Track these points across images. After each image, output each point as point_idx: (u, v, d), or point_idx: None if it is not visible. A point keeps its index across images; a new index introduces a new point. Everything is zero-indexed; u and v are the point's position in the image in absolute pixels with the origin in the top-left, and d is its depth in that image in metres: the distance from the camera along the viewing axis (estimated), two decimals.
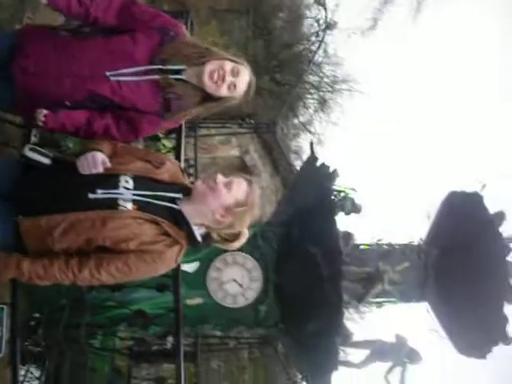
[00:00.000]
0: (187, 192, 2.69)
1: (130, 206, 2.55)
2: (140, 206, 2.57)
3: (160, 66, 2.86)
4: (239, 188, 2.65)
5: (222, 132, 11.65)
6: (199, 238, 2.67)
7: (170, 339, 6.57)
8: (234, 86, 2.89)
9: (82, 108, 2.88)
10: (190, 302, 5.12)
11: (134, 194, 2.57)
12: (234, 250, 5.28)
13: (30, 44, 2.91)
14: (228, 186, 2.63)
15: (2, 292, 3.66)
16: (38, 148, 2.70)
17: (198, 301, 5.24)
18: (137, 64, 2.85)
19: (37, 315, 4.11)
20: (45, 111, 2.80)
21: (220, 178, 2.63)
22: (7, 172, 2.75)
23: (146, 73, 2.86)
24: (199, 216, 2.66)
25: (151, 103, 2.89)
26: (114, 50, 2.85)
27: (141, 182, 2.63)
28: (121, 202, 2.55)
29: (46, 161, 2.67)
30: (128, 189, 2.58)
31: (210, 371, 12.68)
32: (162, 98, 2.89)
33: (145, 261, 2.57)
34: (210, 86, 2.88)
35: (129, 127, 2.91)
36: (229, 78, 2.87)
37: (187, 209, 2.64)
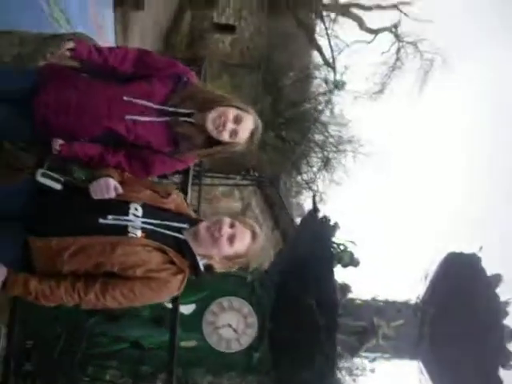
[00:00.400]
0: (192, 223, 2.77)
1: (139, 233, 2.62)
2: (148, 233, 2.64)
3: (172, 109, 2.99)
4: (242, 242, 2.70)
5: (226, 183, 11.77)
6: (202, 268, 2.73)
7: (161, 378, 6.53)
8: (236, 132, 2.99)
9: (98, 143, 3.01)
10: (184, 344, 5.09)
11: (143, 222, 2.65)
12: (231, 295, 5.35)
13: (52, 82, 3.05)
14: (231, 239, 2.68)
15: (1, 312, 3.69)
16: (49, 173, 2.78)
17: (192, 343, 5.22)
18: (153, 102, 2.99)
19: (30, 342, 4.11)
20: (60, 141, 2.92)
21: (225, 230, 2.69)
22: (19, 194, 2.83)
23: (158, 114, 2.99)
24: (202, 251, 2.73)
25: (164, 143, 3.01)
26: (131, 91, 2.99)
27: (149, 210, 2.70)
28: (130, 229, 2.61)
29: (57, 186, 2.74)
30: (137, 216, 2.66)
31: None
32: (173, 138, 3.01)
33: (150, 288, 2.62)
34: (212, 131, 2.97)
35: (141, 165, 3.00)
36: (230, 126, 2.95)
37: (191, 240, 2.71)
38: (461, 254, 5.96)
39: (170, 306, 4.07)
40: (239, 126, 2.98)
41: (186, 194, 4.10)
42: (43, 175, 2.75)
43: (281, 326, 5.29)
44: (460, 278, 5.81)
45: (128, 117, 2.94)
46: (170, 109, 2.98)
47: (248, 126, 3.02)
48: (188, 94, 3.02)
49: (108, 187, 2.66)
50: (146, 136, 2.97)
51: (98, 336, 4.51)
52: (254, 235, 2.75)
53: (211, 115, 2.96)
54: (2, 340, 3.53)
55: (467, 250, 5.95)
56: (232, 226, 2.70)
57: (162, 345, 4.54)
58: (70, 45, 2.96)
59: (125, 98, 2.93)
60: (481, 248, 5.77)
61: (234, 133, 2.97)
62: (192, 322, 5.19)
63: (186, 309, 5.18)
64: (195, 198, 8.26)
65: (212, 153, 3.10)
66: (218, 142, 3.08)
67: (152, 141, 2.98)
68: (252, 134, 3.05)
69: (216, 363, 5.33)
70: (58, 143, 2.91)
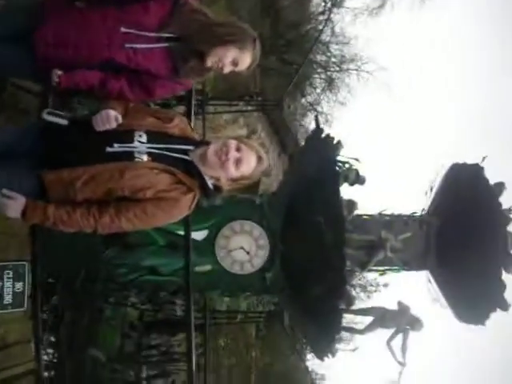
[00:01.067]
0: (197, 145, 2.88)
1: (145, 158, 2.75)
2: (154, 157, 2.76)
3: (170, 35, 3.02)
4: (248, 165, 2.83)
5: (230, 110, 11.72)
6: (211, 186, 2.86)
7: (179, 309, 6.80)
8: (236, 63, 3.02)
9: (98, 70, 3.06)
10: (198, 268, 5.28)
11: (148, 147, 2.77)
12: (241, 219, 5.50)
13: (49, 17, 3.08)
14: (238, 162, 2.80)
15: (23, 250, 3.87)
16: (55, 111, 2.88)
17: (206, 268, 5.41)
18: (147, 31, 3.01)
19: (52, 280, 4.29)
20: (59, 71, 2.95)
21: (232, 154, 2.79)
22: (28, 134, 2.94)
23: (157, 40, 3.02)
24: (209, 172, 2.85)
25: (163, 69, 3.06)
26: (127, 17, 3.01)
27: (154, 136, 2.82)
28: (136, 155, 2.75)
29: (63, 122, 2.84)
30: (142, 142, 2.78)
31: (217, 348, 12.93)
32: (172, 63, 3.06)
33: (161, 208, 2.77)
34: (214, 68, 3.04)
35: (142, 90, 3.08)
36: (230, 57, 2.99)
37: (199, 161, 2.83)
38: (464, 165, 6.03)
39: (182, 232, 4.20)
40: (241, 54, 3.00)
41: (189, 116, 4.18)
42: (49, 113, 2.85)
43: (291, 245, 5.46)
44: (463, 188, 5.90)
45: (128, 45, 2.98)
46: (167, 35, 3.01)
47: (248, 58, 3.04)
48: (185, 19, 3.05)
49: (109, 118, 2.77)
50: (146, 64, 3.02)
51: (116, 266, 4.70)
52: (259, 158, 2.88)
53: (210, 59, 3.00)
54: (27, 277, 3.72)
55: (470, 160, 6.02)
56: (238, 149, 2.82)
57: (177, 271, 4.73)
58: None
59: (122, 29, 2.97)
60: (484, 158, 5.83)
61: (235, 63, 3.01)
62: (205, 246, 5.36)
63: (199, 235, 5.34)
64: (199, 127, 8.29)
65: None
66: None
67: (151, 68, 3.04)
68: (252, 61, 3.09)
69: (231, 285, 5.53)
70: (56, 74, 2.95)
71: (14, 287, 3.91)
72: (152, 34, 3.00)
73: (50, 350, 4.27)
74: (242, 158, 2.81)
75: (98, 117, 2.78)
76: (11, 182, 2.74)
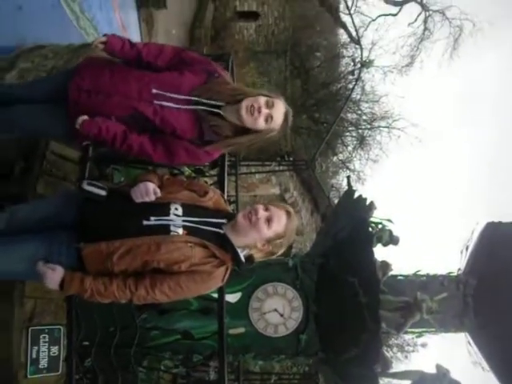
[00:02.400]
0: (230, 218, 2.92)
1: (180, 231, 2.81)
2: (189, 230, 2.82)
3: (201, 99, 3.10)
4: (279, 222, 2.87)
5: (262, 170, 11.85)
6: (243, 259, 2.89)
7: (213, 372, 6.72)
8: (271, 117, 3.07)
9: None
10: (232, 331, 5.26)
11: (183, 220, 2.82)
12: (275, 281, 5.48)
13: (87, 68, 3.21)
14: (268, 221, 2.84)
15: (58, 314, 3.93)
16: (94, 182, 2.97)
17: (240, 330, 5.38)
18: (180, 93, 3.10)
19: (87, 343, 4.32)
20: (85, 117, 3.03)
21: (261, 213, 2.83)
22: (67, 204, 3.03)
23: (187, 103, 3.10)
24: (242, 242, 2.88)
25: (189, 130, 3.12)
26: (163, 79, 3.12)
27: (189, 209, 2.88)
28: (172, 228, 2.80)
29: (102, 193, 2.93)
30: (178, 215, 2.83)
31: None
32: (199, 128, 3.12)
33: (195, 280, 2.80)
34: (247, 120, 3.07)
35: (165, 150, 3.13)
36: (265, 111, 3.06)
37: (231, 234, 2.87)
38: (499, 224, 5.97)
39: (216, 296, 4.21)
40: (272, 110, 3.08)
41: (222, 184, 4.21)
42: (89, 184, 2.94)
43: (325, 307, 5.41)
44: (499, 246, 5.82)
45: (156, 102, 3.07)
46: (198, 99, 3.10)
47: (280, 109, 3.13)
48: (217, 87, 3.14)
49: (148, 191, 2.84)
50: (171, 121, 3.08)
51: (150, 330, 4.72)
52: (288, 214, 2.91)
53: (244, 103, 3.07)
54: (62, 341, 3.77)
55: (506, 218, 5.96)
56: (266, 209, 2.87)
57: (211, 334, 4.71)
58: (103, 39, 3.11)
59: (154, 90, 3.06)
60: None
61: (269, 117, 3.08)
62: (239, 309, 5.34)
63: (232, 297, 5.33)
64: (233, 187, 8.37)
65: (245, 142, 3.20)
66: (246, 134, 3.18)
67: (177, 127, 3.09)
68: (285, 117, 3.15)
69: (264, 348, 5.46)
70: (81, 118, 3.03)
71: (49, 351, 3.96)
72: (182, 97, 3.09)
73: None
74: (272, 215, 2.84)
75: (137, 189, 2.86)
76: (51, 253, 2.82)
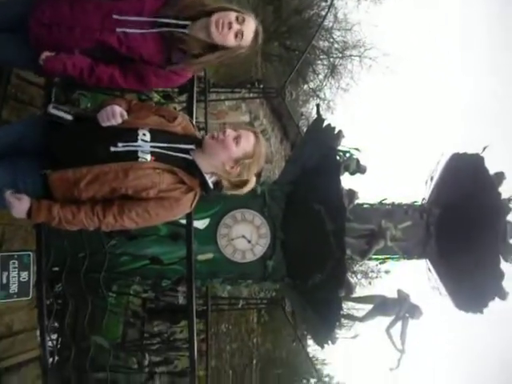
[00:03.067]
0: (199, 143, 2.92)
1: (148, 157, 2.79)
2: (157, 156, 2.80)
3: (166, 20, 3.02)
4: (247, 141, 2.86)
5: (232, 97, 11.73)
6: (211, 185, 2.91)
7: (181, 297, 6.87)
8: (242, 33, 2.99)
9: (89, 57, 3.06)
10: (200, 257, 5.35)
11: (151, 146, 2.81)
12: (243, 208, 5.54)
13: (47, 1, 3.11)
14: (237, 139, 2.84)
15: (27, 241, 3.94)
16: (60, 106, 2.92)
17: (208, 256, 5.47)
18: (143, 16, 3.02)
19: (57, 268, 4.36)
20: (47, 52, 2.95)
21: (229, 132, 2.84)
22: (32, 130, 2.98)
23: (151, 26, 3.02)
24: (210, 166, 2.88)
25: (156, 55, 3.04)
26: (123, 5, 3.02)
27: (157, 134, 2.86)
28: (140, 154, 2.79)
29: (68, 117, 2.88)
30: (146, 141, 2.82)
31: (219, 334, 13.06)
32: (166, 50, 3.06)
33: (163, 207, 2.82)
34: (217, 36, 2.98)
35: (136, 78, 3.08)
36: (235, 26, 2.97)
37: (199, 159, 2.87)
38: (464, 155, 6.06)
39: (184, 222, 4.26)
40: (243, 25, 3.00)
41: (191, 110, 4.17)
42: (54, 108, 2.89)
43: (292, 234, 5.52)
44: (463, 177, 5.94)
45: (119, 29, 2.99)
46: (162, 20, 3.01)
47: (251, 26, 3.03)
48: (182, 5, 3.06)
49: (114, 114, 2.80)
50: (137, 47, 3.00)
51: (120, 256, 4.77)
52: (257, 136, 2.92)
53: (214, 18, 2.97)
54: (32, 266, 3.80)
55: (471, 150, 6.06)
56: (235, 130, 2.87)
57: (179, 259, 4.79)
58: None
59: (114, 16, 2.98)
60: (484, 148, 5.86)
61: (239, 33, 2.99)
62: (207, 235, 5.42)
63: (201, 224, 5.39)
64: (202, 114, 8.30)
65: (213, 59, 3.11)
66: (215, 51, 3.11)
67: (143, 52, 3.02)
68: (255, 34, 3.08)
69: (232, 273, 5.60)
70: (44, 54, 2.95)
71: (19, 277, 3.98)
72: (144, 19, 3.00)
73: (54, 337, 4.36)
74: (241, 134, 2.84)
75: (104, 112, 2.82)
76: (16, 182, 2.79)
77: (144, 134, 2.83)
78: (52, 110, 2.87)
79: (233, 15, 3.00)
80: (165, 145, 2.83)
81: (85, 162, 2.76)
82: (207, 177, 2.89)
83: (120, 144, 2.77)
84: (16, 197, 2.74)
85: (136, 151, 2.79)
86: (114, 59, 3.05)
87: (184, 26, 3.03)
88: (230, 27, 2.97)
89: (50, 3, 3.07)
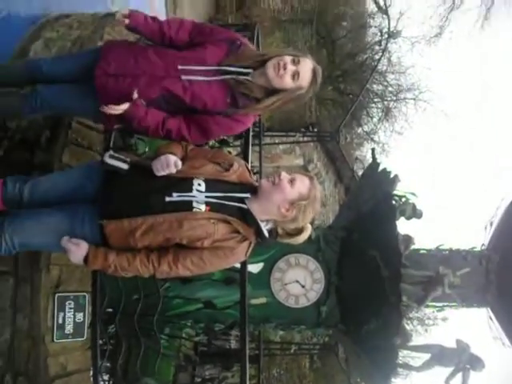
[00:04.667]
0: (254, 191, 2.92)
1: (203, 207, 2.80)
2: (212, 206, 2.81)
3: (229, 68, 3.10)
4: (302, 184, 2.86)
5: (286, 141, 11.82)
6: (266, 234, 2.89)
7: (233, 341, 6.81)
8: (298, 74, 3.06)
9: (154, 107, 3.15)
10: (254, 301, 5.30)
11: (206, 196, 2.82)
12: (297, 253, 5.50)
13: (111, 52, 3.23)
14: (291, 182, 2.84)
15: (83, 282, 4.00)
16: (116, 155, 2.97)
17: (261, 300, 5.42)
18: (207, 65, 3.10)
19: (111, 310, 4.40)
20: (126, 104, 3.04)
21: (284, 175, 2.84)
22: (90, 178, 3.04)
23: (214, 74, 3.10)
24: (266, 212, 2.87)
25: (220, 102, 3.12)
26: (186, 55, 3.12)
27: (212, 184, 2.86)
28: (195, 204, 2.80)
29: (124, 166, 2.92)
30: (201, 191, 2.83)
31: (271, 379, 12.86)
32: (230, 97, 3.12)
33: (218, 256, 2.82)
34: (274, 78, 3.07)
35: (199, 129, 3.14)
36: (291, 67, 3.05)
37: (254, 207, 2.86)
38: None
39: (238, 266, 4.25)
40: (298, 66, 3.07)
41: (247, 155, 4.21)
42: (111, 157, 2.95)
43: (346, 279, 5.43)
44: None
45: (184, 77, 3.08)
46: (226, 68, 3.11)
47: (307, 65, 3.11)
48: (242, 55, 3.14)
49: (168, 163, 2.83)
50: (202, 95, 3.09)
51: (173, 298, 4.79)
52: (311, 179, 2.90)
53: (271, 63, 3.07)
54: (87, 307, 3.86)
55: None
56: (289, 173, 2.89)
57: (233, 303, 4.77)
58: (126, 11, 3.12)
59: (179, 66, 3.07)
60: None
61: (295, 74, 3.06)
62: (260, 279, 5.39)
63: (255, 268, 5.37)
64: (256, 158, 8.35)
65: (275, 101, 3.16)
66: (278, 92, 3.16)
67: (208, 99, 3.09)
68: (314, 74, 3.13)
69: (285, 318, 5.52)
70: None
71: (75, 317, 4.05)
72: (208, 68, 3.09)
73: (107, 378, 4.38)
74: (295, 178, 2.85)
75: (158, 162, 2.85)
76: (74, 228, 2.85)
77: (199, 184, 2.85)
78: (108, 160, 2.93)
79: (288, 58, 3.08)
80: (220, 194, 2.83)
81: (140, 211, 2.80)
82: (262, 225, 2.88)
83: (175, 194, 2.79)
84: (74, 242, 2.79)
85: (191, 201, 2.81)
86: (178, 111, 3.13)
87: (246, 74, 3.10)
88: (285, 68, 3.03)
89: (115, 54, 3.19)
